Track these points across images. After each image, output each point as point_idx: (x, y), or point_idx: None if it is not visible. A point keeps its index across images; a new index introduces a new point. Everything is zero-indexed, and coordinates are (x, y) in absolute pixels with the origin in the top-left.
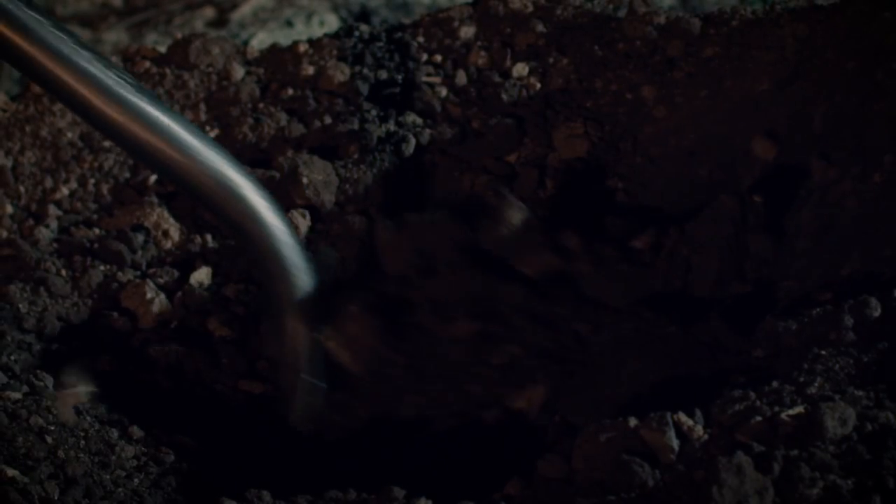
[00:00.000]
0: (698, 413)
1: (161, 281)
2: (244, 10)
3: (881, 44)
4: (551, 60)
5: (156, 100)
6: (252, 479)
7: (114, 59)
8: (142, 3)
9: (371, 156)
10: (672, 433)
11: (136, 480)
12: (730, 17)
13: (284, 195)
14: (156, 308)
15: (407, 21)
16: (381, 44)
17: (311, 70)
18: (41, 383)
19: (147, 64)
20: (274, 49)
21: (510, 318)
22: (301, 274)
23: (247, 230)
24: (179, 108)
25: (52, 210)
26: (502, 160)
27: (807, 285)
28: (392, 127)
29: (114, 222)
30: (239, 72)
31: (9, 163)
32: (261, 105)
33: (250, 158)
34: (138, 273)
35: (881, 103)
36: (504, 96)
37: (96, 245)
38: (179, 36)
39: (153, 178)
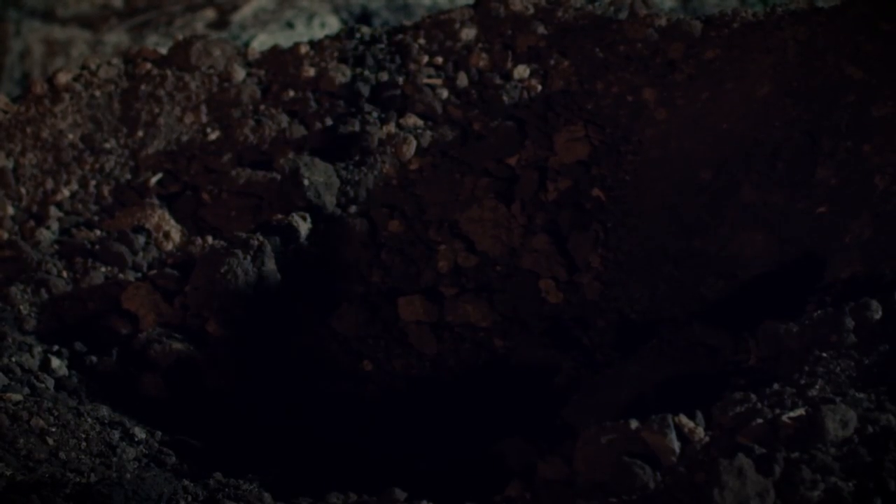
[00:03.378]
0: (699, 415)
1: (162, 282)
2: (245, 12)
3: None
4: (552, 62)
5: None
6: (253, 479)
7: (115, 60)
8: (143, 5)
9: (372, 158)
10: (673, 435)
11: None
12: (731, 19)
13: (286, 197)
14: (156, 310)
15: (408, 23)
16: (381, 46)
17: (312, 72)
18: (42, 385)
19: (148, 65)
20: (275, 51)
21: None
22: None
23: None
24: (181, 109)
25: (53, 212)
26: (503, 162)
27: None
28: (393, 129)
29: (115, 224)
30: (240, 73)
31: (10, 164)
32: (262, 107)
33: (251, 160)
34: (139, 274)
35: (881, 107)
36: (505, 98)
37: (97, 246)
38: (180, 37)
39: (154, 179)
